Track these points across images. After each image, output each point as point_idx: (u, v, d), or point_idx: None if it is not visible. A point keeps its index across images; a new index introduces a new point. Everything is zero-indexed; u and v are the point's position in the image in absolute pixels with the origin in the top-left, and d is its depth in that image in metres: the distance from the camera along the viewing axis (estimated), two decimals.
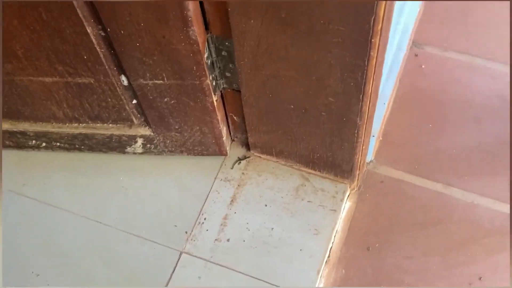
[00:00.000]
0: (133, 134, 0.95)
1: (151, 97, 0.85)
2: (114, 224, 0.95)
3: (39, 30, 0.74)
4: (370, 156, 1.01)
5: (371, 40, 0.64)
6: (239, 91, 0.87)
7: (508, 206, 0.97)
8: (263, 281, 0.88)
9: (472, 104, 1.08)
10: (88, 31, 0.73)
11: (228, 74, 0.84)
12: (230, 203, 0.96)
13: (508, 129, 1.04)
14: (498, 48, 1.14)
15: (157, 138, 0.95)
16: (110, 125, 0.94)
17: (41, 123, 0.96)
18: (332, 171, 0.95)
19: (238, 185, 0.97)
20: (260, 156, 1.00)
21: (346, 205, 0.98)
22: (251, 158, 1.00)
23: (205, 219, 0.94)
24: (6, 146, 1.02)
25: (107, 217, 0.96)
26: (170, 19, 0.68)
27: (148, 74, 0.80)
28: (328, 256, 0.93)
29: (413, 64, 1.14)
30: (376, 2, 0.59)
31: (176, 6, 0.67)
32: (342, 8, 0.61)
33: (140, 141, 0.97)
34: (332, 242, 0.93)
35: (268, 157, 0.99)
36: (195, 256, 0.91)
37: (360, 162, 0.91)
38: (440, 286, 0.90)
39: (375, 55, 0.67)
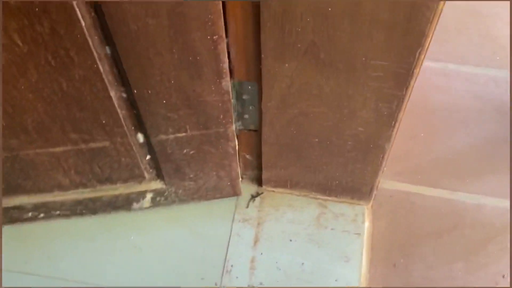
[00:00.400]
0: (143, 189, 0.90)
1: (169, 151, 0.81)
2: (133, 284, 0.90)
3: (56, 101, 0.69)
4: None
5: (413, 71, 0.65)
6: (255, 131, 0.85)
7: None
8: None
9: (456, 109, 1.13)
10: (111, 95, 0.69)
11: (246, 116, 0.82)
12: (254, 244, 0.93)
13: (494, 129, 1.10)
14: (468, 51, 1.20)
15: (169, 189, 0.91)
16: (119, 184, 0.89)
17: (41, 194, 0.89)
18: (349, 195, 0.95)
19: (258, 224, 0.95)
20: (273, 190, 0.98)
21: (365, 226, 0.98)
22: (264, 193, 0.98)
23: (231, 266, 0.91)
24: None
25: (125, 283, 0.90)
26: (204, 73, 0.66)
27: (170, 129, 0.77)
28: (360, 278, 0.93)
29: None
30: (424, 35, 0.60)
31: (213, 60, 0.64)
32: (388, 43, 0.62)
33: (149, 196, 0.92)
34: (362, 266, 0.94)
35: (282, 189, 0.98)
36: None
37: (378, 184, 0.92)
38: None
39: (413, 83, 0.68)
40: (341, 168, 0.87)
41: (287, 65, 0.67)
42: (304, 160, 0.87)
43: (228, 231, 0.94)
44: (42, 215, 0.93)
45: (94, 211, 0.94)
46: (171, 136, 0.78)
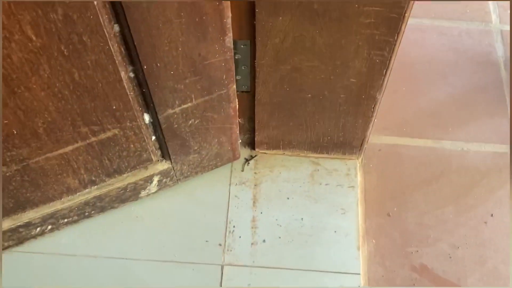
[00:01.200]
0: (150, 174, 0.89)
1: (175, 126, 0.81)
2: (141, 256, 0.90)
3: (67, 95, 0.67)
4: None
5: (404, 15, 0.67)
6: (247, 92, 0.86)
7: (494, 145, 1.06)
8: (311, 270, 0.89)
9: (433, 62, 1.17)
10: (122, 76, 0.68)
11: (238, 77, 0.83)
12: (253, 205, 0.95)
13: (471, 79, 1.14)
14: (440, 6, 1.23)
15: (175, 168, 0.91)
16: (126, 174, 0.88)
17: (49, 204, 0.86)
18: (340, 150, 0.98)
19: (255, 185, 0.97)
20: (266, 153, 1.00)
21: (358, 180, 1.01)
22: (258, 156, 1.00)
23: (234, 226, 0.93)
24: (4, 248, 0.91)
25: (132, 252, 0.91)
26: (209, 33, 0.66)
27: (177, 102, 0.76)
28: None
29: None
30: None
31: (218, 17, 0.64)
32: None
33: (156, 179, 0.91)
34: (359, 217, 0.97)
35: (275, 151, 0.99)
36: (238, 265, 0.89)
37: (368, 137, 0.95)
38: (460, 233, 0.97)
39: (404, 28, 0.70)
40: (333, 123, 0.90)
41: (281, 18, 0.69)
42: (297, 118, 0.89)
43: (227, 195, 0.96)
44: (49, 227, 0.91)
45: (102, 209, 0.93)
46: (177, 109, 0.78)
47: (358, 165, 1.00)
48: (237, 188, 0.96)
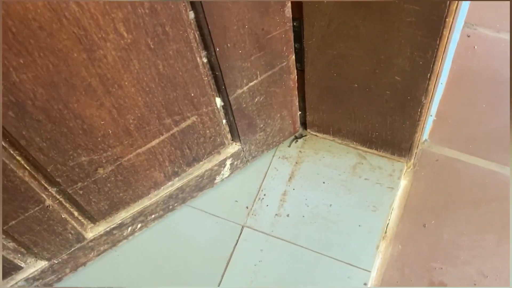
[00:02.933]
0: (223, 158, 0.93)
1: (244, 105, 0.85)
2: None
3: (154, 88, 0.71)
4: (425, 135, 1.03)
5: (445, 20, 0.66)
6: (301, 71, 0.89)
7: None
8: (323, 254, 0.91)
9: None
10: (198, 62, 0.72)
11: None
12: (289, 180, 0.98)
13: None
14: None
15: (244, 149, 0.95)
16: (203, 162, 0.92)
17: (138, 201, 0.90)
18: (389, 149, 0.97)
19: (296, 163, 1.00)
20: (316, 135, 1.02)
21: (402, 183, 1.00)
22: (307, 136, 1.02)
23: (264, 195, 0.97)
24: (100, 253, 0.94)
25: None
26: (270, 6, 0.70)
27: (245, 80, 0.80)
28: (385, 232, 0.95)
29: (466, 45, 1.15)
30: None
31: None
32: None
33: (228, 162, 0.95)
34: (389, 219, 0.96)
35: (325, 135, 1.01)
36: (257, 230, 0.94)
37: (418, 141, 0.93)
38: (494, 263, 0.92)
39: (447, 34, 0.68)
40: (380, 119, 0.89)
41: (325, 1, 0.71)
42: (345, 107, 0.90)
43: (267, 165, 1.00)
44: (139, 225, 0.94)
45: (183, 200, 0.97)
46: (245, 88, 0.82)
47: (404, 168, 0.98)
48: (278, 161, 1.00)
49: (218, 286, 0.90)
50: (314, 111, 0.95)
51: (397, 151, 0.97)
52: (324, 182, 0.98)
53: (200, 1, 0.64)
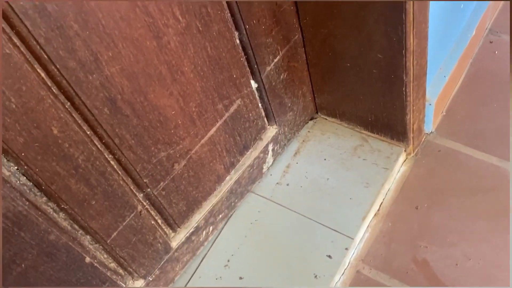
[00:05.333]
0: (265, 144, 0.99)
1: (273, 83, 0.93)
2: None
3: (206, 71, 0.76)
4: (430, 127, 1.08)
5: None
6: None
7: None
8: (313, 220, 0.99)
9: None
10: (236, 43, 0.79)
11: None
12: (294, 155, 1.08)
13: None
14: None
15: (280, 131, 1.02)
16: (251, 149, 0.98)
17: (207, 200, 0.93)
18: (388, 133, 1.04)
19: (303, 141, 1.10)
20: (326, 118, 1.12)
21: (402, 169, 1.06)
22: (317, 119, 1.12)
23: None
24: (184, 264, 0.94)
25: None
26: None
27: (271, 57, 0.88)
28: (378, 210, 1.02)
29: (487, 50, 1.19)
30: None
31: None
32: None
33: (270, 148, 1.01)
34: (384, 198, 1.02)
35: (333, 119, 1.11)
36: (258, 195, 1.05)
37: (412, 124, 0.99)
38: (479, 248, 0.95)
39: (411, 9, 0.77)
40: (375, 100, 0.97)
41: None
42: (344, 88, 1.00)
43: None
44: (211, 228, 0.96)
45: (242, 195, 1.01)
46: (272, 66, 0.89)
47: (403, 152, 1.05)
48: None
49: (216, 238, 1.01)
50: (320, 92, 1.05)
51: (395, 136, 1.04)
52: (325, 159, 1.07)
53: None
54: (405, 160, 1.06)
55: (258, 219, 1.02)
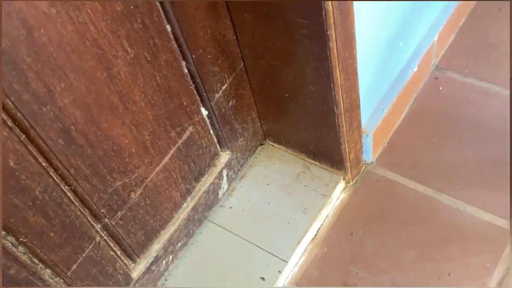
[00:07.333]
0: (219, 170, 1.02)
1: (223, 110, 0.96)
2: None
3: (157, 100, 0.78)
4: (369, 157, 1.13)
5: (327, 32, 0.80)
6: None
7: (493, 216, 1.03)
8: (250, 242, 1.03)
9: (481, 125, 1.16)
10: (184, 72, 0.82)
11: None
12: (240, 179, 1.13)
13: (509, 151, 1.11)
14: None
15: (233, 156, 1.05)
16: (206, 176, 1.01)
17: (165, 228, 0.93)
18: (328, 162, 1.09)
19: (250, 166, 1.14)
20: (273, 145, 1.16)
21: (341, 196, 1.10)
22: (265, 145, 1.17)
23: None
24: None
25: None
26: (220, 11, 0.85)
27: (218, 84, 0.92)
28: (315, 235, 1.06)
29: (432, 86, 1.25)
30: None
31: None
32: (303, 3, 0.78)
33: (224, 173, 1.04)
34: (321, 224, 1.06)
35: (279, 146, 1.15)
36: None
37: (348, 154, 1.04)
38: (408, 277, 0.99)
39: (334, 46, 0.82)
40: (312, 130, 1.02)
41: (245, 15, 0.88)
42: (286, 117, 1.05)
43: None
44: (170, 257, 0.97)
45: (199, 223, 1.03)
46: (220, 93, 0.93)
47: (341, 180, 1.09)
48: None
49: None
50: (266, 120, 1.10)
51: (335, 164, 1.08)
52: (268, 184, 1.11)
53: (174, 13, 0.75)
54: (344, 188, 1.11)
55: (199, 240, 1.05)
